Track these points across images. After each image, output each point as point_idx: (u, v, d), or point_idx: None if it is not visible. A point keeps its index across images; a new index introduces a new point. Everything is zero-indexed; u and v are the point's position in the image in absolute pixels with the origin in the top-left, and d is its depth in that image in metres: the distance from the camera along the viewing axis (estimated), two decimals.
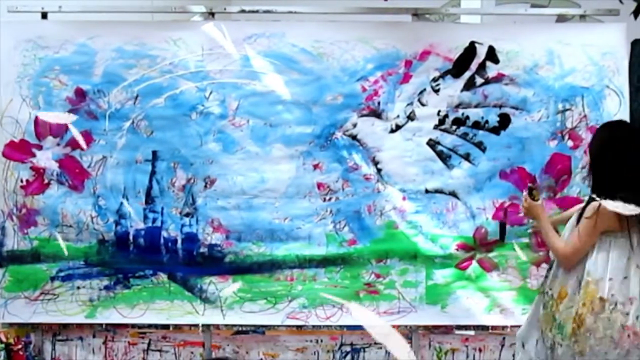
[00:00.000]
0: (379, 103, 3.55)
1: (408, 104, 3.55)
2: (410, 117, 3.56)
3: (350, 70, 3.53)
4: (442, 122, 3.56)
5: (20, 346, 3.53)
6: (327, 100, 3.54)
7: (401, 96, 3.55)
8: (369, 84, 3.54)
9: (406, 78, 3.54)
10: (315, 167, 3.56)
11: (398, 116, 3.56)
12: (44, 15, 3.56)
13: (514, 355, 3.53)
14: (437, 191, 3.56)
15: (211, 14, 3.56)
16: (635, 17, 3.42)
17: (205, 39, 3.54)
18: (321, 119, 3.54)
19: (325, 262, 3.55)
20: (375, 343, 3.63)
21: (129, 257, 3.55)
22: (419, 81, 3.55)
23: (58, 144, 3.54)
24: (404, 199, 3.56)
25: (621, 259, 2.63)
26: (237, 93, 3.54)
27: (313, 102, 3.54)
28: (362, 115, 3.55)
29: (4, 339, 3.52)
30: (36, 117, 3.52)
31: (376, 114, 3.55)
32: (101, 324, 3.59)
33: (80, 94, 3.53)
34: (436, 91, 3.55)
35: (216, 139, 3.55)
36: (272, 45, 3.54)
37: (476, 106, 3.55)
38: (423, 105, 3.56)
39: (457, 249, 3.57)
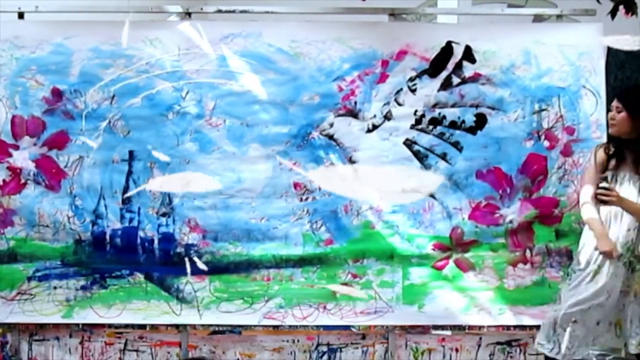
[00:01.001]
0: (355, 103, 3.55)
1: (385, 104, 3.55)
2: (387, 117, 3.56)
3: (326, 70, 3.54)
4: (418, 121, 3.57)
5: None
6: (303, 100, 3.54)
7: (378, 96, 3.55)
8: (346, 84, 3.55)
9: (383, 78, 3.55)
10: (293, 166, 3.56)
11: (375, 116, 3.55)
12: (21, 15, 3.56)
13: (490, 355, 3.58)
14: (413, 191, 3.56)
15: (188, 14, 3.56)
16: (612, 17, 3.40)
17: (181, 39, 3.54)
18: (298, 118, 3.54)
19: (301, 262, 3.55)
20: (352, 343, 3.62)
21: (106, 257, 3.55)
22: (395, 81, 3.55)
23: (35, 144, 3.53)
24: (380, 198, 3.56)
25: None
26: (213, 93, 3.55)
27: (290, 102, 3.54)
28: (339, 115, 3.55)
29: None
30: (13, 117, 3.51)
31: (353, 113, 3.55)
32: (78, 324, 3.58)
33: (57, 94, 3.52)
34: (413, 91, 3.56)
35: (192, 138, 3.55)
36: (248, 45, 3.54)
37: (453, 106, 3.55)
38: (400, 105, 3.56)
39: (433, 249, 3.57)
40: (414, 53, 3.55)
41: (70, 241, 3.55)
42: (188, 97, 3.53)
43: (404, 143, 3.57)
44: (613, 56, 3.66)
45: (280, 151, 3.55)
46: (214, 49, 3.53)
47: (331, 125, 3.55)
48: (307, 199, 3.56)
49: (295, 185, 3.56)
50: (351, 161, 3.56)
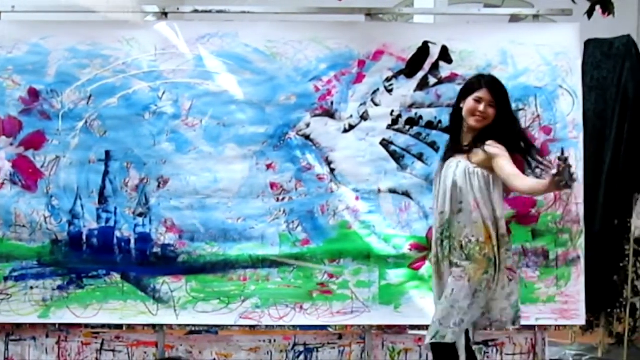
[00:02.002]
0: (332, 103, 3.55)
1: (361, 104, 3.56)
2: (364, 117, 3.56)
3: (303, 70, 3.54)
4: (395, 122, 3.57)
5: None
6: (280, 100, 3.55)
7: (354, 96, 3.55)
8: (322, 84, 3.55)
9: (359, 78, 3.55)
10: (269, 167, 3.56)
11: (351, 116, 3.56)
12: None
13: None
14: (390, 191, 3.57)
15: (164, 14, 3.56)
16: (589, 17, 3.41)
17: (158, 39, 3.54)
18: (274, 118, 3.55)
19: (278, 262, 3.56)
20: (329, 343, 3.63)
21: (82, 257, 3.54)
22: (372, 81, 3.55)
23: (11, 144, 3.53)
24: (357, 198, 3.56)
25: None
26: (190, 93, 3.55)
27: (266, 102, 3.54)
28: (316, 115, 3.55)
29: None
30: None
31: (329, 113, 3.55)
32: (54, 324, 3.56)
33: (34, 94, 3.52)
34: (389, 91, 3.56)
35: (169, 138, 3.54)
36: (225, 45, 3.54)
37: (429, 106, 3.55)
38: (376, 105, 3.57)
39: (410, 249, 3.56)
40: (390, 53, 3.55)
41: (47, 241, 3.54)
42: (164, 97, 3.53)
43: (381, 143, 3.57)
44: (589, 56, 3.65)
45: (256, 151, 3.55)
46: (191, 49, 3.54)
47: (308, 125, 3.56)
48: (283, 199, 3.55)
49: (272, 185, 3.56)
50: (328, 161, 3.57)
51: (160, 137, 3.54)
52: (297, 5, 3.69)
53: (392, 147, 3.57)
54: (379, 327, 3.59)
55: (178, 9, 3.59)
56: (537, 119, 3.56)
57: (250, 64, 3.54)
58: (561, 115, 3.56)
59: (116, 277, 3.56)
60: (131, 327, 3.59)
